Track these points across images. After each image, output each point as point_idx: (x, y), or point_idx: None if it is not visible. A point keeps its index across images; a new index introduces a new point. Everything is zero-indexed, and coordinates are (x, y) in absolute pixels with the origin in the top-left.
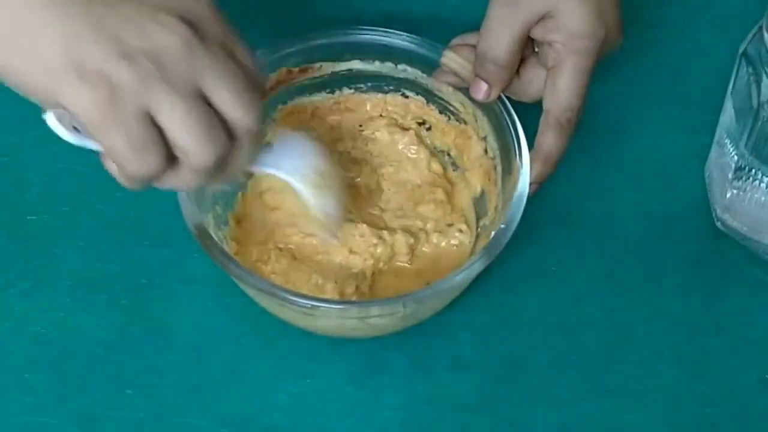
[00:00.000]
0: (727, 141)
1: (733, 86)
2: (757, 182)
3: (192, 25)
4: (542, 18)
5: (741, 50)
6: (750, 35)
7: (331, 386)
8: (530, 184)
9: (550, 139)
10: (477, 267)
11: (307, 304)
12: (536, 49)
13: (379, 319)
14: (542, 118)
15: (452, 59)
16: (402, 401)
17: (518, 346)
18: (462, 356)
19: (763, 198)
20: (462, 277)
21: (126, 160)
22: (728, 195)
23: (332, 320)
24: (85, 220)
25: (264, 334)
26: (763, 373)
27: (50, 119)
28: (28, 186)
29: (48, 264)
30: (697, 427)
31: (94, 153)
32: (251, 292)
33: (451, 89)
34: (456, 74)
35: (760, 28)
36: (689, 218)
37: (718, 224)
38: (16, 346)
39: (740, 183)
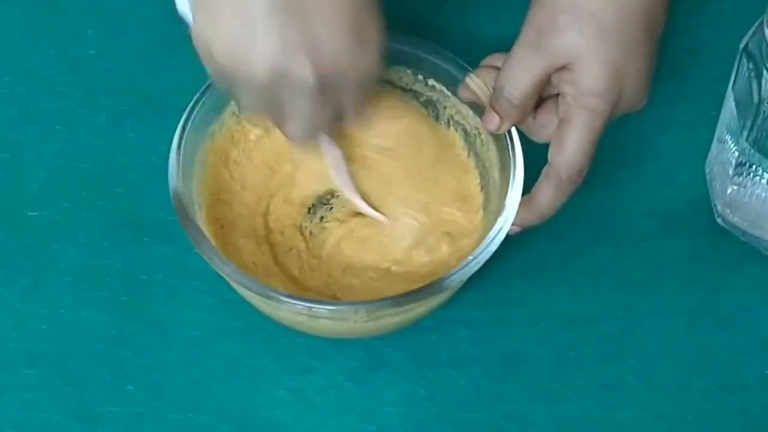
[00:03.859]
0: (728, 137)
1: (734, 82)
2: (757, 178)
3: (324, 79)
4: (562, 68)
5: (742, 46)
6: (751, 31)
7: (331, 382)
8: (512, 225)
9: (545, 192)
10: (475, 265)
11: (301, 305)
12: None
13: (374, 322)
14: (544, 169)
15: (474, 82)
16: (402, 397)
17: (518, 342)
18: (461, 352)
19: (763, 194)
20: (460, 277)
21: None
22: (729, 191)
23: (334, 322)
24: (85, 217)
25: (264, 331)
26: (763, 369)
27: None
28: (29, 182)
29: (48, 260)
30: (697, 423)
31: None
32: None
33: (471, 113)
34: (476, 97)
35: (761, 23)
36: (690, 214)
37: (719, 220)
38: (17, 343)
39: (741, 179)
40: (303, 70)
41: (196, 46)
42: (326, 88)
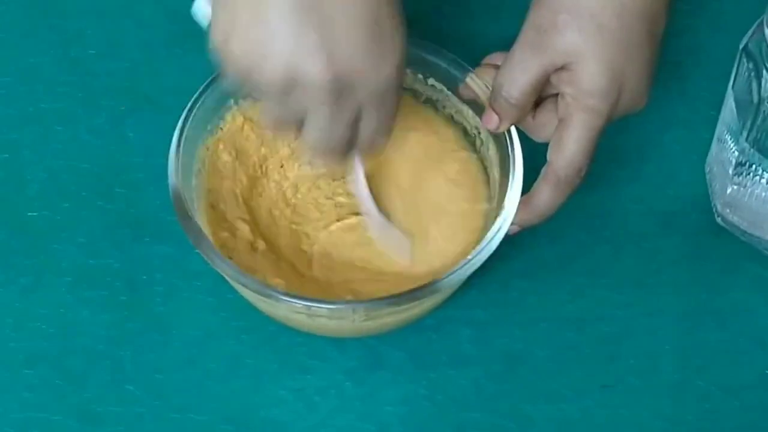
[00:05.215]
0: (728, 137)
1: (734, 82)
2: (757, 178)
3: (339, 81)
4: (561, 68)
5: (742, 45)
6: (750, 31)
7: (330, 382)
8: (512, 224)
9: (544, 192)
10: (474, 265)
11: (300, 304)
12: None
13: (373, 321)
14: (543, 168)
15: (474, 81)
16: (401, 397)
17: (517, 342)
18: (461, 352)
19: (763, 194)
20: (459, 276)
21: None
22: (729, 191)
23: (331, 321)
24: (85, 217)
25: (264, 330)
26: (763, 369)
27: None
28: (29, 182)
29: (48, 260)
30: (697, 423)
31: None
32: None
33: (471, 113)
34: (476, 96)
35: (761, 23)
36: (690, 214)
37: (719, 220)
38: (17, 342)
39: (741, 179)
40: (316, 71)
41: (213, 47)
42: (342, 92)
